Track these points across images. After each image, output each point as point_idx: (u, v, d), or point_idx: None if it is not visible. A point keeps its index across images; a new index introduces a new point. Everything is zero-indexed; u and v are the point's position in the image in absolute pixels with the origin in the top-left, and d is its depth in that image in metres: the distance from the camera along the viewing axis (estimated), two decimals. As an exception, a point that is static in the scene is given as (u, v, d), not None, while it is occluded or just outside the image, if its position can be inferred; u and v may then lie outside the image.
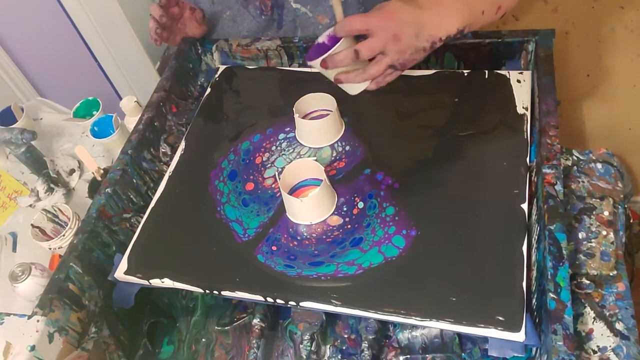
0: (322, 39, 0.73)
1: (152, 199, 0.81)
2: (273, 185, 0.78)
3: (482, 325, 0.58)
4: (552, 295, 0.56)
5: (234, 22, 0.98)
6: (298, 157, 0.80)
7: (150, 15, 0.90)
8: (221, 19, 0.99)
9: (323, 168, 0.72)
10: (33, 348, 0.61)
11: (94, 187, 1.03)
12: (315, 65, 0.69)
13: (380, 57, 0.65)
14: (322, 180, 0.70)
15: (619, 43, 1.17)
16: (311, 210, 0.72)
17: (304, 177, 0.76)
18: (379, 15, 0.62)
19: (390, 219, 0.70)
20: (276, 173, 0.79)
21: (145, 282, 0.71)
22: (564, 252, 0.58)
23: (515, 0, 0.71)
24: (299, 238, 0.71)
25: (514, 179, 0.69)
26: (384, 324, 0.70)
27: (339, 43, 0.67)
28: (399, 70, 0.67)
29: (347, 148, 0.79)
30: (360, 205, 0.73)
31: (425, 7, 0.63)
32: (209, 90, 0.95)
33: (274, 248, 0.71)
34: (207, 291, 0.69)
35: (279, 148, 0.83)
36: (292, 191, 0.76)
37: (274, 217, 0.74)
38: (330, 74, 0.70)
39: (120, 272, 0.72)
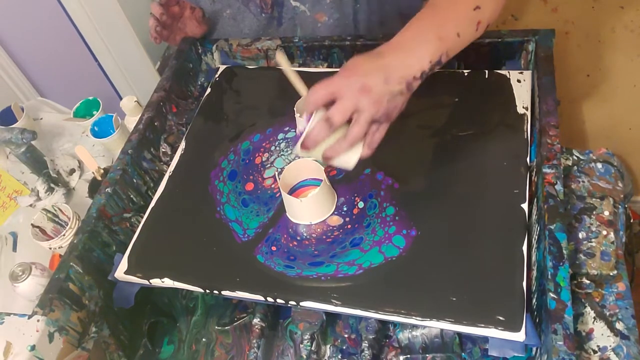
0: (301, 126, 0.68)
1: (152, 198, 0.81)
2: (273, 186, 0.78)
3: (483, 325, 0.58)
4: (552, 295, 0.56)
5: (234, 21, 0.98)
6: (296, 157, 0.80)
7: (151, 13, 0.90)
8: (221, 18, 0.99)
9: (323, 168, 0.72)
10: (33, 348, 0.61)
11: (94, 187, 1.03)
12: (298, 153, 0.64)
13: (356, 116, 0.59)
14: (322, 181, 0.70)
15: (619, 43, 1.17)
16: (311, 210, 0.72)
17: (304, 177, 0.76)
18: (340, 74, 0.58)
19: (391, 218, 0.70)
20: (276, 173, 0.79)
21: (145, 281, 0.71)
22: (564, 251, 0.58)
23: (497, 10, 0.66)
24: (298, 238, 0.71)
25: (514, 179, 0.69)
26: (384, 323, 0.70)
27: (311, 119, 0.61)
28: (384, 122, 0.61)
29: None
30: (361, 205, 0.73)
31: (387, 53, 0.60)
32: (209, 90, 0.95)
33: (273, 248, 0.71)
34: (207, 291, 0.69)
35: (277, 148, 0.83)
36: (292, 191, 0.76)
37: (274, 218, 0.74)
38: (318, 155, 0.63)
39: (120, 272, 0.72)
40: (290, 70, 0.63)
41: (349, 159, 0.63)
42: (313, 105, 0.60)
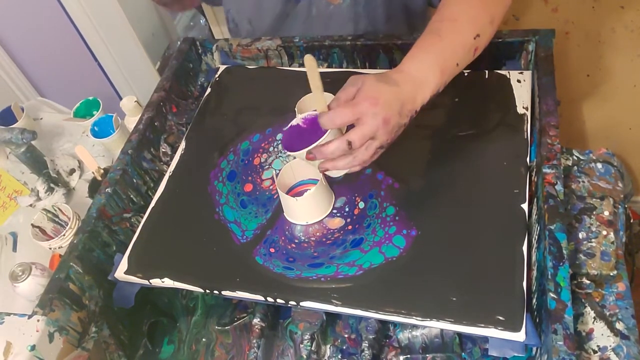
0: (297, 121, 0.69)
1: (152, 198, 0.81)
2: (271, 187, 0.78)
3: (483, 325, 0.58)
4: (552, 295, 0.56)
5: None
6: (294, 159, 0.80)
7: None
8: None
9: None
10: (33, 348, 0.61)
11: (94, 187, 1.03)
12: (299, 156, 0.65)
13: (370, 142, 0.61)
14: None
15: (619, 43, 1.17)
16: (307, 210, 0.72)
17: (302, 177, 0.76)
18: (366, 101, 0.59)
19: (391, 218, 0.70)
20: (274, 174, 0.79)
21: (145, 281, 0.71)
22: (564, 251, 0.58)
23: (492, 36, 0.68)
24: (296, 241, 0.71)
25: (514, 179, 0.69)
26: (384, 323, 0.70)
27: (326, 134, 0.62)
28: (385, 148, 0.63)
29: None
30: (361, 205, 0.73)
31: (401, 84, 0.61)
32: (209, 90, 0.95)
33: (272, 250, 0.71)
34: (208, 291, 0.69)
35: (276, 149, 0.83)
36: (290, 191, 0.76)
37: (272, 219, 0.74)
38: (315, 162, 0.65)
39: (120, 272, 0.72)
40: (317, 76, 0.64)
41: (339, 171, 0.66)
42: (337, 126, 0.62)
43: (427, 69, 0.63)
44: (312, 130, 0.66)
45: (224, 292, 0.68)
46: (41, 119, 1.27)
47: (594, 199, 0.73)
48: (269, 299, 0.66)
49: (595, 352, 0.64)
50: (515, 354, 0.58)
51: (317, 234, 0.72)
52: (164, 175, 0.84)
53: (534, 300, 0.62)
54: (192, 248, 0.73)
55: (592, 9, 1.12)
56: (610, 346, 0.64)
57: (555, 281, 0.56)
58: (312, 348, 0.68)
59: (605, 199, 0.73)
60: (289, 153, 0.66)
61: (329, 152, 0.61)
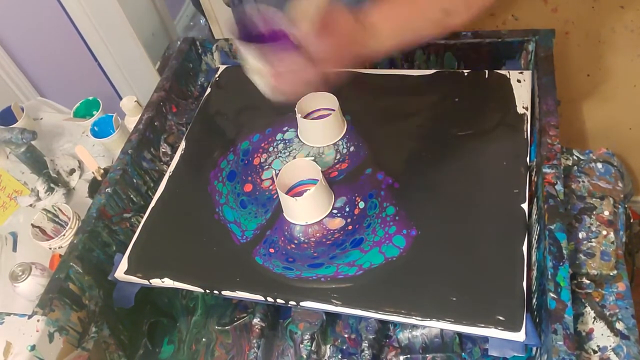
0: (260, 23, 0.62)
1: (152, 198, 0.81)
2: (271, 187, 0.78)
3: (483, 325, 0.58)
4: (552, 294, 0.56)
5: None
6: (293, 158, 0.80)
7: None
8: None
9: (319, 168, 0.72)
10: (33, 348, 0.61)
11: (94, 187, 1.03)
12: (248, 51, 0.60)
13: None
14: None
15: (619, 43, 1.16)
16: (306, 210, 0.72)
17: (302, 177, 0.76)
18: (335, 32, 0.58)
19: (391, 218, 0.70)
20: (273, 174, 0.79)
21: (145, 281, 0.71)
22: (564, 251, 0.58)
23: (463, 20, 0.63)
24: (296, 241, 0.71)
25: (514, 179, 0.69)
26: (384, 323, 0.70)
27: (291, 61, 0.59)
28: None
29: (352, 149, 0.79)
30: (361, 205, 0.73)
31: (367, 29, 0.61)
32: (209, 90, 0.95)
33: (271, 250, 0.71)
34: (208, 291, 0.69)
35: (275, 149, 0.83)
36: (290, 190, 0.76)
37: (271, 219, 0.74)
38: (263, 80, 0.63)
39: (120, 272, 0.72)
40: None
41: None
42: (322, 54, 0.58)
43: (387, 33, 0.62)
44: (267, 33, 0.62)
45: (224, 292, 0.68)
46: (41, 119, 1.27)
47: (594, 199, 0.73)
48: (269, 299, 0.66)
49: (595, 352, 0.64)
50: (515, 354, 0.58)
51: (317, 234, 0.71)
52: (164, 175, 0.84)
53: (534, 300, 0.62)
54: (192, 248, 0.73)
55: (592, 9, 1.12)
56: (610, 346, 0.64)
57: (555, 281, 0.56)
58: (312, 348, 0.68)
59: (605, 199, 0.73)
60: (243, 44, 0.60)
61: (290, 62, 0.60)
